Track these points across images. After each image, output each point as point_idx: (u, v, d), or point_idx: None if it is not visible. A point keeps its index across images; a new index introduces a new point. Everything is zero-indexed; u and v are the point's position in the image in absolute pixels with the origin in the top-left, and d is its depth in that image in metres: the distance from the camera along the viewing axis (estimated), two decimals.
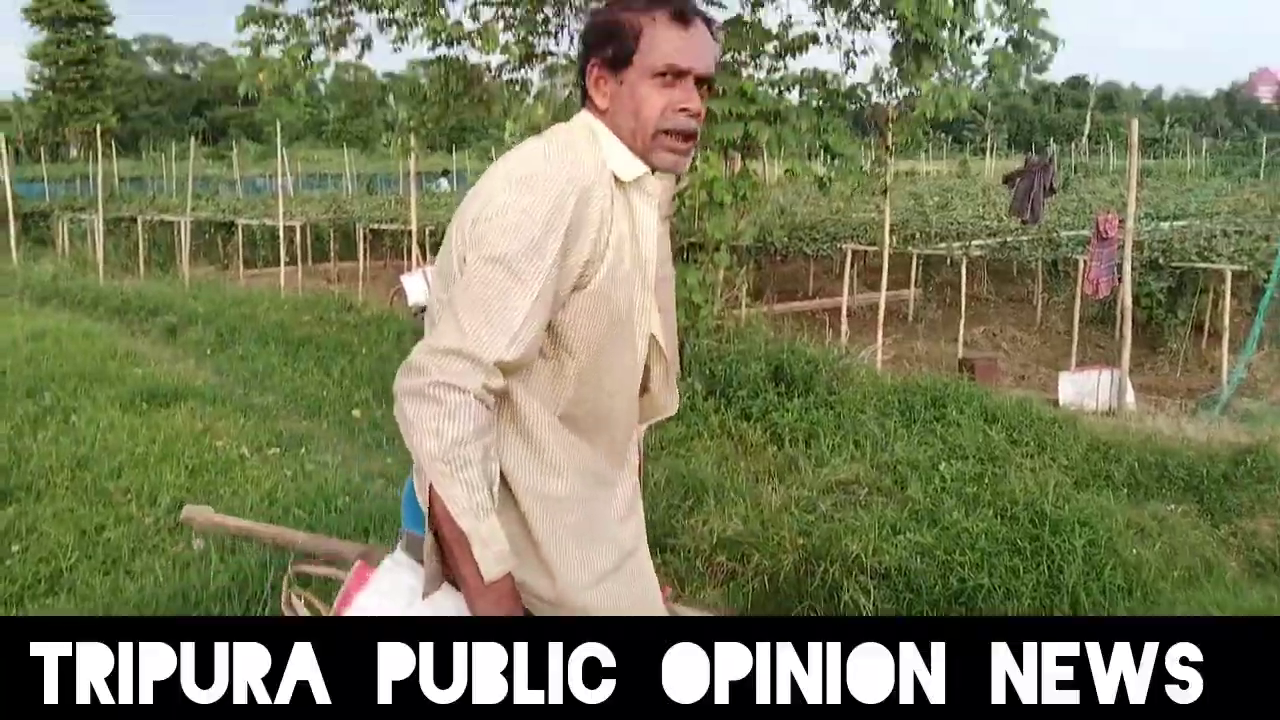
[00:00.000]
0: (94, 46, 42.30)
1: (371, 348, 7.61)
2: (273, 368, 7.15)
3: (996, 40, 5.66)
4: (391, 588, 1.43)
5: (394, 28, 6.02)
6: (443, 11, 5.69)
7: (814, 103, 6.07)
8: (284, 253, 11.54)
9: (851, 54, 6.33)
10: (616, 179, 1.37)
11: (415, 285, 8.20)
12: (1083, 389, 6.08)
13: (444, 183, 22.12)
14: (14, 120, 41.53)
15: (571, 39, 6.21)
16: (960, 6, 5.39)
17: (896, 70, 5.93)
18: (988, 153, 36.63)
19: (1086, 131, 34.73)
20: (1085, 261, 6.68)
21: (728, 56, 5.94)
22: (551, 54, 6.41)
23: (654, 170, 1.40)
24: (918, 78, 5.45)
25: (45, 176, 20.48)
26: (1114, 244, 6.34)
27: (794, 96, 6.20)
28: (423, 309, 8.23)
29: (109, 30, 44.13)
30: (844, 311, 7.76)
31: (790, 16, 6.53)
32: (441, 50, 6.16)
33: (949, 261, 8.90)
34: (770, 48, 6.19)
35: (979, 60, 5.69)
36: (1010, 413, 5.18)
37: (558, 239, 1.27)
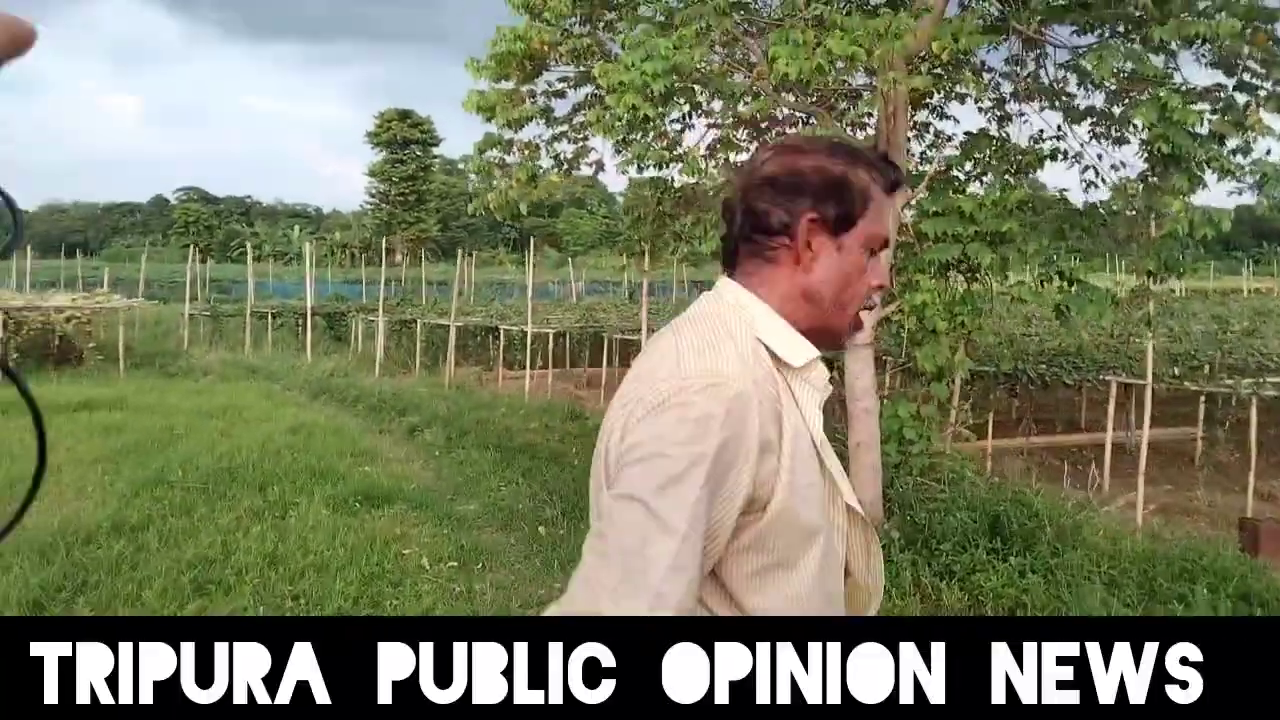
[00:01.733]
0: (422, 165, 53.51)
1: (586, 457, 8.14)
2: (483, 474, 7.84)
3: (1269, 151, 5.33)
4: None
5: (627, 149, 6.51)
6: (648, 139, 6.16)
7: (1044, 224, 5.97)
8: (530, 358, 13.40)
9: (1094, 169, 6.21)
10: (780, 363, 1.23)
11: None
12: None
13: None
14: (353, 229, 52.14)
15: None
16: (1222, 113, 5.15)
17: (1141, 186, 5.73)
18: None
19: None
20: None
21: (950, 170, 6.02)
22: None
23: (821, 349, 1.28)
24: (1166, 194, 5.21)
25: (363, 279, 24.46)
26: None
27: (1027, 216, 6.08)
28: None
29: (436, 151, 55.47)
30: (1107, 450, 7.39)
31: (1042, 132, 6.53)
32: (650, 172, 6.72)
33: (1234, 400, 8.20)
34: (998, 160, 6.21)
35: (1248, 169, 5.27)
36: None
37: (703, 466, 1.10)
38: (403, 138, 52.75)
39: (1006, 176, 6.39)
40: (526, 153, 6.87)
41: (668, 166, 6.42)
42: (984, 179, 6.38)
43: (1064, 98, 6.29)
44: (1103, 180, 6.21)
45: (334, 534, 5.83)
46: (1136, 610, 4.64)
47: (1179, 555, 5.09)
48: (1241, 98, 5.20)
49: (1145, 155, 5.53)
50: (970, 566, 5.08)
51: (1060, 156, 6.47)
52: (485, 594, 5.00)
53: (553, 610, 1.23)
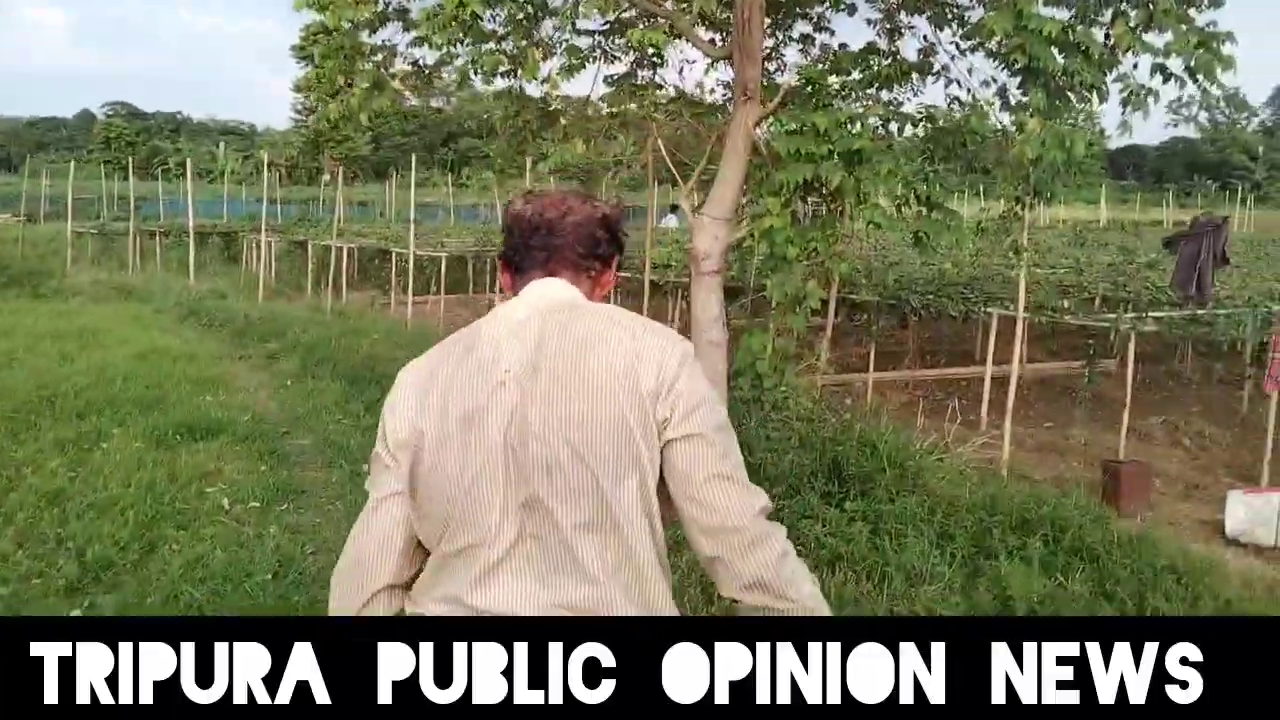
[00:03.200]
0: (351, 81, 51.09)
1: None
2: (328, 406, 7.83)
3: (1135, 65, 5.13)
4: None
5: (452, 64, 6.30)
6: (489, 45, 5.90)
7: (908, 142, 5.97)
8: (425, 284, 14.04)
9: (959, 83, 6.15)
10: None
11: None
12: (1257, 515, 5.58)
13: (673, 219, 21.85)
14: (278, 147, 50.68)
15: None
16: (1087, 21, 5.02)
17: (1000, 103, 5.72)
18: (1241, 202, 36.09)
19: None
20: (1272, 353, 6.17)
21: (803, 85, 5.89)
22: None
23: None
24: (1020, 112, 5.14)
25: (278, 200, 24.45)
26: None
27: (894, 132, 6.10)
28: None
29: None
30: (986, 384, 7.45)
31: (934, 45, 6.36)
32: (500, 84, 6.49)
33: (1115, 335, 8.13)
34: (861, 74, 6.17)
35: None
36: (1123, 547, 4.67)
37: None
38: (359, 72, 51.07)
39: (872, 92, 6.39)
40: (381, 56, 6.54)
41: (513, 76, 6.24)
42: (844, 93, 6.28)
43: (936, 6, 6.23)
44: (972, 97, 6.19)
45: (137, 470, 5.74)
46: (957, 566, 4.58)
47: (1020, 505, 5.04)
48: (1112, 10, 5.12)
49: (1004, 68, 5.45)
50: (800, 512, 4.96)
51: (929, 71, 6.46)
52: (274, 538, 4.99)
53: (754, 509, 1.53)
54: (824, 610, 1.56)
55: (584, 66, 6.48)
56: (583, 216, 1.67)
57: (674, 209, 22.36)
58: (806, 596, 1.53)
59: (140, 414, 6.96)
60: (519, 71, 6.05)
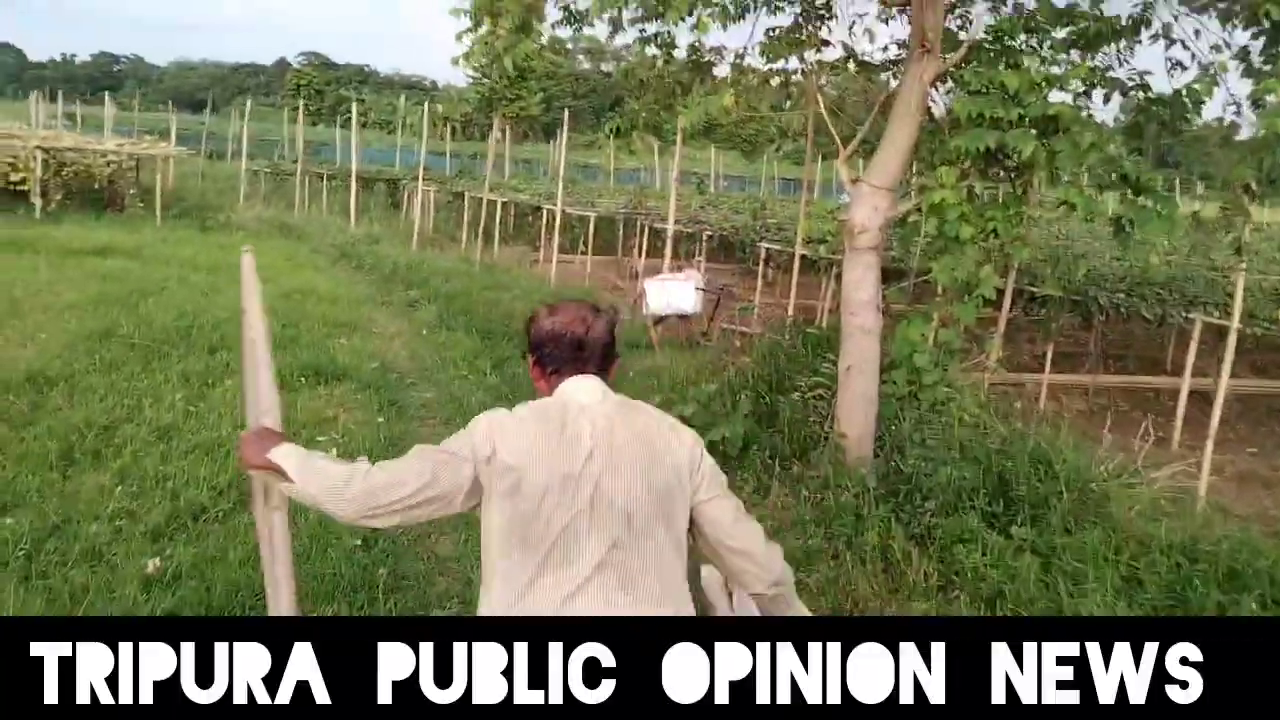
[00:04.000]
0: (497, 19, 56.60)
1: None
2: (458, 359, 8.10)
3: None
4: None
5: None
6: None
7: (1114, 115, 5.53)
8: (573, 242, 15.19)
9: (1184, 44, 5.51)
10: None
11: (657, 293, 9.36)
12: None
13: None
14: (453, 102, 54.90)
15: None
16: None
17: (1243, 68, 5.15)
18: None
19: None
20: None
21: (992, 39, 5.47)
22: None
23: None
24: (1270, 80, 4.61)
25: (447, 153, 27.84)
26: None
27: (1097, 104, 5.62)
28: (661, 319, 9.09)
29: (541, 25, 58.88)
30: (1182, 399, 6.89)
31: (1152, 1, 5.71)
32: (651, 27, 6.18)
33: None
34: (1065, 32, 5.61)
35: None
36: None
37: None
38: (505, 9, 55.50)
39: (1073, 55, 5.73)
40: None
41: (663, 18, 5.68)
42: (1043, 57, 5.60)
43: None
44: (1196, 62, 5.55)
45: None
46: (1131, 602, 4.15)
47: (1228, 552, 4.37)
48: None
49: (1245, 28, 4.87)
50: (956, 535, 4.59)
51: (1142, 30, 5.77)
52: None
53: (768, 547, 2.23)
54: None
55: (744, 15, 6.13)
56: (600, 330, 2.32)
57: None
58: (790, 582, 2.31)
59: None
60: (666, 14, 5.59)
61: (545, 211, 15.72)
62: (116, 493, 4.79)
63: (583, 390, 2.23)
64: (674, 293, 9.31)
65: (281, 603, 2.05)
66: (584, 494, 2.06)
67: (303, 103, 28.89)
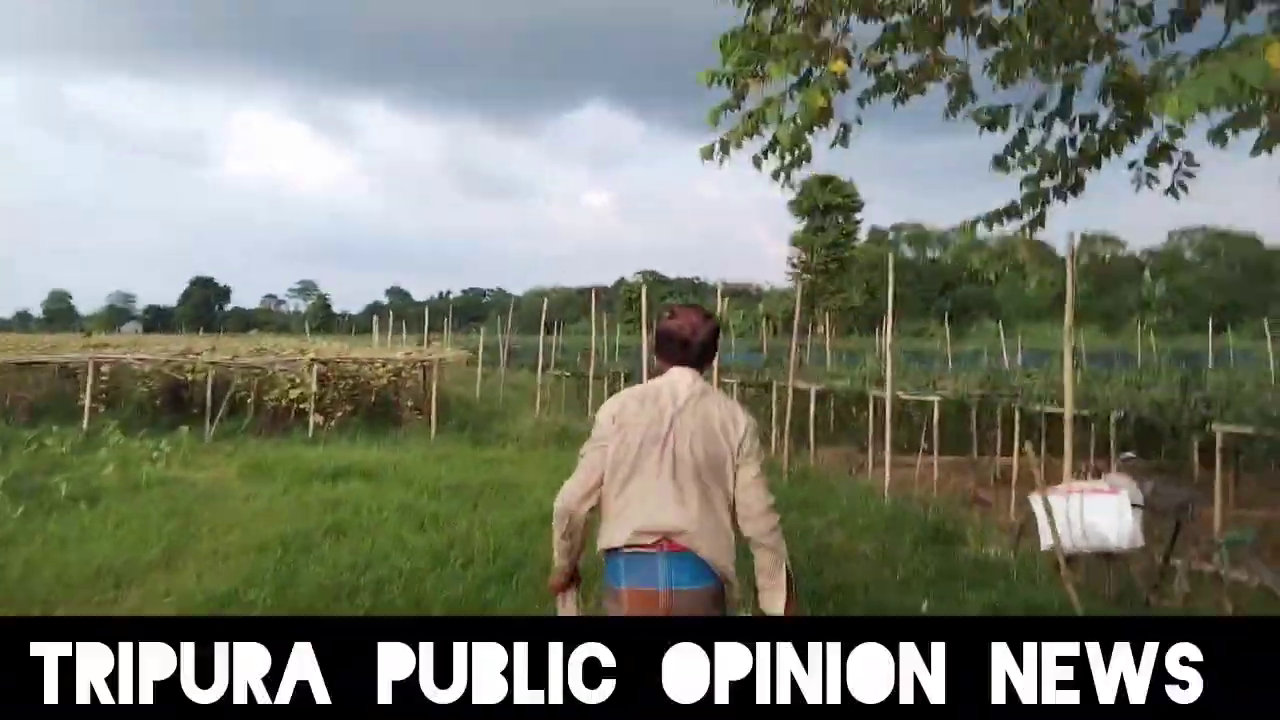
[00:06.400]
0: (844, 232, 61.38)
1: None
2: None
3: None
4: None
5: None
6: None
7: None
8: (914, 438, 12.66)
9: None
10: None
11: (1064, 514, 6.10)
12: None
13: None
14: (772, 301, 59.02)
15: None
16: None
17: None
18: None
19: None
20: None
21: None
22: None
23: None
24: None
25: (764, 346, 28.62)
26: None
27: None
28: (1071, 557, 6.16)
29: (858, 216, 63.73)
30: None
31: None
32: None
33: None
34: None
35: None
36: None
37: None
38: (824, 204, 60.45)
39: None
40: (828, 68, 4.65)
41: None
42: None
43: None
44: None
45: None
46: None
47: None
48: None
49: None
50: None
51: None
52: None
53: (768, 502, 3.14)
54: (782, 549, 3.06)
55: None
56: (706, 334, 3.34)
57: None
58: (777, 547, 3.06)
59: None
60: None
61: (873, 399, 12.83)
62: None
63: (679, 378, 3.27)
64: (1094, 514, 6.07)
65: None
66: (662, 448, 3.12)
67: (634, 312, 28.02)
